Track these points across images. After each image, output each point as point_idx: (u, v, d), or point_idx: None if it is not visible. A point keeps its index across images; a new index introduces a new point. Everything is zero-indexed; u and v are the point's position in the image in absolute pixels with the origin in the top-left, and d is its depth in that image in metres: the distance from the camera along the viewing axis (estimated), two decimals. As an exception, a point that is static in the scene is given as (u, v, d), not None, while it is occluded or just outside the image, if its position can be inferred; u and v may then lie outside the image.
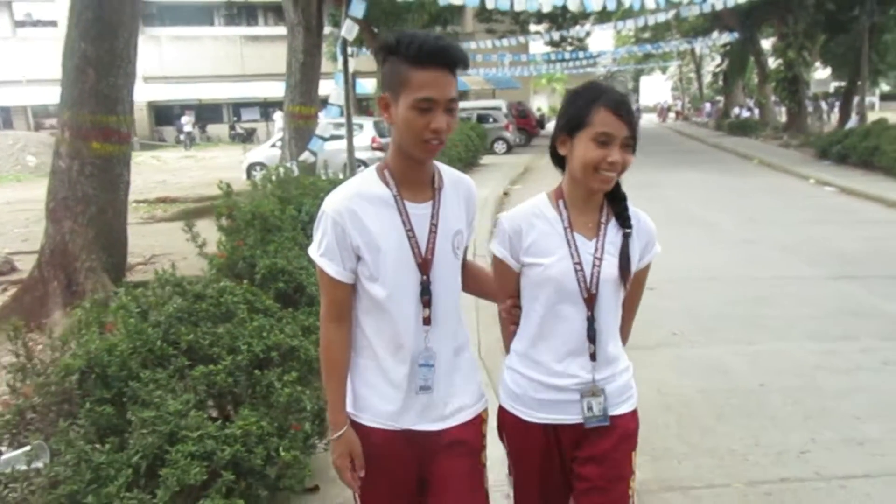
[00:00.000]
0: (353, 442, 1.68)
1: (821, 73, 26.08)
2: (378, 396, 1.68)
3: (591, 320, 1.69)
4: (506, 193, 13.83)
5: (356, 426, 1.69)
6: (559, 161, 1.76)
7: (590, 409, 1.71)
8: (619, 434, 1.74)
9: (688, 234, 8.77)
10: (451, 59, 1.52)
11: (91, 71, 5.57)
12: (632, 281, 1.76)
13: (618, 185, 1.71)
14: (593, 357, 1.70)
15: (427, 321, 1.64)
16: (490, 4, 10.83)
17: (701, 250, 7.96)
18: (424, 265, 1.63)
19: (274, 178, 6.05)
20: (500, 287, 1.83)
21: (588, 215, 1.72)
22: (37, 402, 1.99)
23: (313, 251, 1.65)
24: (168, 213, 12.61)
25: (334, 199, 1.62)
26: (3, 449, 1.83)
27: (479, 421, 1.77)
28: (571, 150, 1.67)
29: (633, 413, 1.79)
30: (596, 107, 1.62)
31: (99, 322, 2.62)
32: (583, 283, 1.68)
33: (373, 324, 1.67)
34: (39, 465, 1.76)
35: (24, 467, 1.74)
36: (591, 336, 1.70)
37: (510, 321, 1.83)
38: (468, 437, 1.74)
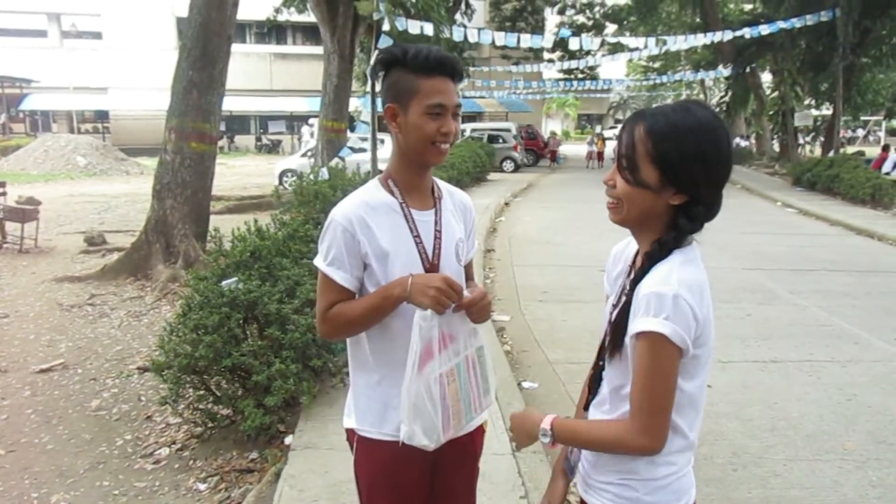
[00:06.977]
0: (422, 275, 1.60)
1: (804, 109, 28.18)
2: (391, 409, 1.67)
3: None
4: (507, 203, 15.82)
5: (366, 442, 1.71)
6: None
7: None
8: None
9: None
10: (453, 69, 1.62)
11: (195, 91, 7.68)
12: None
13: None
14: None
15: None
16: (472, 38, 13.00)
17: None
18: (432, 269, 1.67)
19: (309, 179, 7.99)
20: None
21: None
22: (230, 262, 4.03)
23: (319, 261, 1.66)
24: (216, 208, 14.61)
25: (343, 207, 1.65)
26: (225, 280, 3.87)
27: (481, 430, 1.85)
28: None
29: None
30: None
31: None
32: None
33: (381, 334, 1.66)
34: (239, 286, 3.75)
35: (233, 286, 3.75)
36: None
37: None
38: (473, 446, 1.83)
